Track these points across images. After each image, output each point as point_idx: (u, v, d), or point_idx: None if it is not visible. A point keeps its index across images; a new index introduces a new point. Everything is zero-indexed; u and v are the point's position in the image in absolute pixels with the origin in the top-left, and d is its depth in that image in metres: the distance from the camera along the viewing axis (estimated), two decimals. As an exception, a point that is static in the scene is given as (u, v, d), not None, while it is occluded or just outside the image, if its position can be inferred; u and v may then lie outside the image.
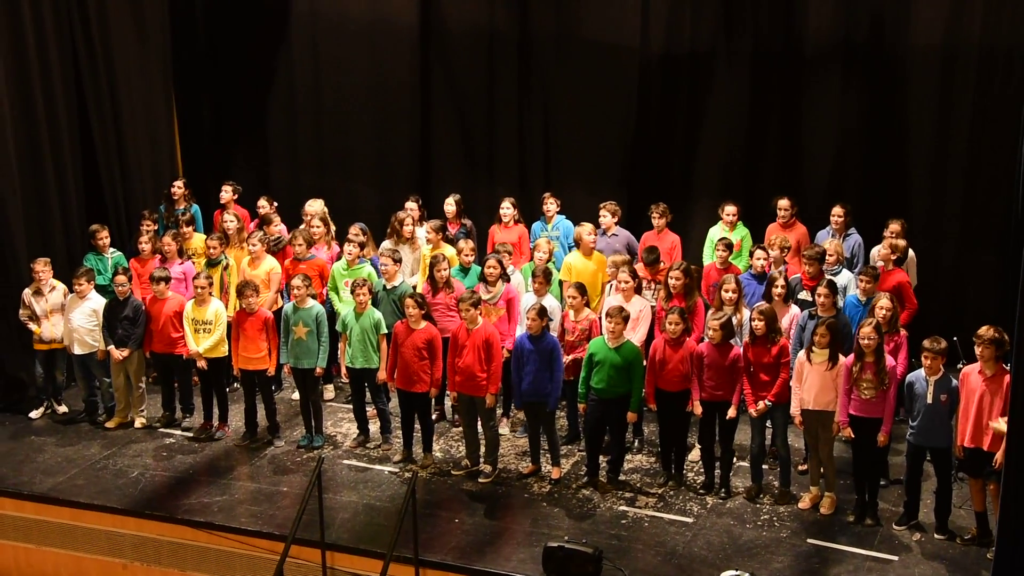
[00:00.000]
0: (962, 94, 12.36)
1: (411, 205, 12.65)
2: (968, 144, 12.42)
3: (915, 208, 12.59)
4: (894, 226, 11.33)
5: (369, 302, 10.79)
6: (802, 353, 9.61)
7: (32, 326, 11.64)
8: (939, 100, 12.50)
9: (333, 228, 12.80)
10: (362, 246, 11.77)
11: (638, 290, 10.78)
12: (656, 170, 13.69)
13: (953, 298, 12.62)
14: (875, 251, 11.49)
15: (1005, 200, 12.03)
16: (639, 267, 11.19)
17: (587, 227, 11.61)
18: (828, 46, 12.83)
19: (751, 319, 9.68)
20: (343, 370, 11.03)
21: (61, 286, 11.70)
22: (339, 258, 12.03)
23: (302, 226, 12.36)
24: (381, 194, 14.70)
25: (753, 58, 13.14)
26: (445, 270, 11.05)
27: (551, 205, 12.54)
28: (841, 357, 9.45)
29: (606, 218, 12.10)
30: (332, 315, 11.37)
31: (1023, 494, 7.43)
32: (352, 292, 10.86)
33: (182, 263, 12.10)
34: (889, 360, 9.33)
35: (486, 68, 14.37)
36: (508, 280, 11.06)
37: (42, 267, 11.61)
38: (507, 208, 12.48)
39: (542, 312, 10.08)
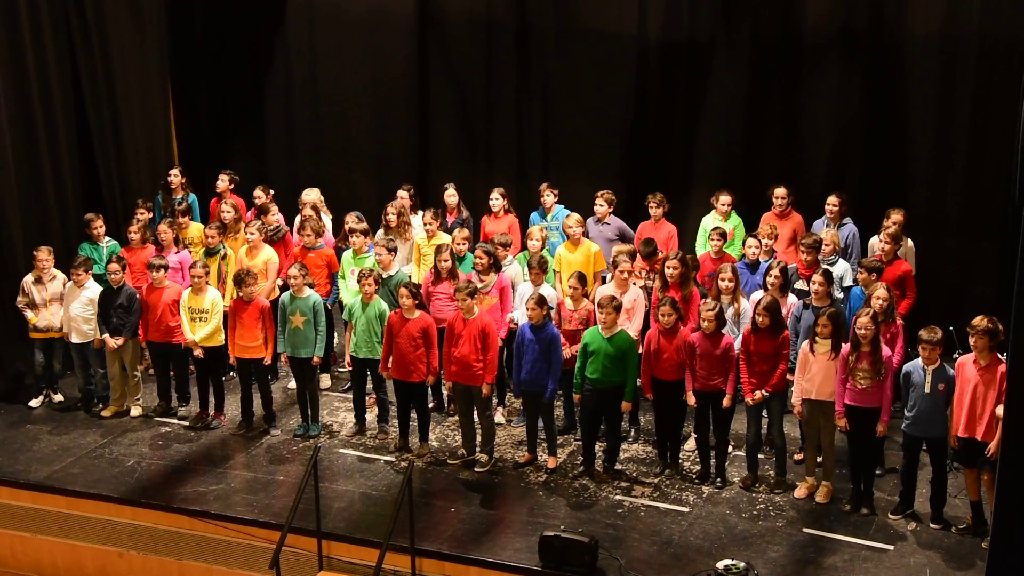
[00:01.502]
0: (961, 83, 12.32)
1: (402, 194, 12.66)
2: (967, 133, 12.38)
3: (914, 197, 12.55)
4: (896, 216, 11.30)
5: (375, 292, 10.78)
6: (805, 344, 9.60)
7: (28, 313, 11.64)
8: (938, 89, 12.46)
9: (329, 217, 12.79)
10: (365, 233, 11.78)
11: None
12: (654, 159, 13.66)
13: (952, 288, 12.58)
14: (874, 242, 11.44)
15: (1004, 189, 12.00)
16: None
17: (573, 218, 11.60)
18: (827, 35, 12.80)
19: (757, 313, 9.65)
20: (347, 359, 11.01)
21: (61, 275, 11.69)
22: (337, 247, 12.07)
23: (310, 215, 12.36)
24: (379, 184, 14.68)
25: (752, 47, 13.10)
26: (447, 260, 11.04)
27: (548, 197, 12.51)
28: (844, 346, 9.44)
29: (602, 207, 12.09)
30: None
31: (1018, 483, 7.43)
32: (358, 282, 10.85)
33: (177, 252, 12.09)
34: (885, 350, 9.32)
35: (484, 58, 14.34)
36: (499, 270, 11.04)
37: (45, 255, 11.60)
38: (496, 199, 12.47)
39: (541, 301, 10.07)
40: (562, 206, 12.53)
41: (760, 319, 9.58)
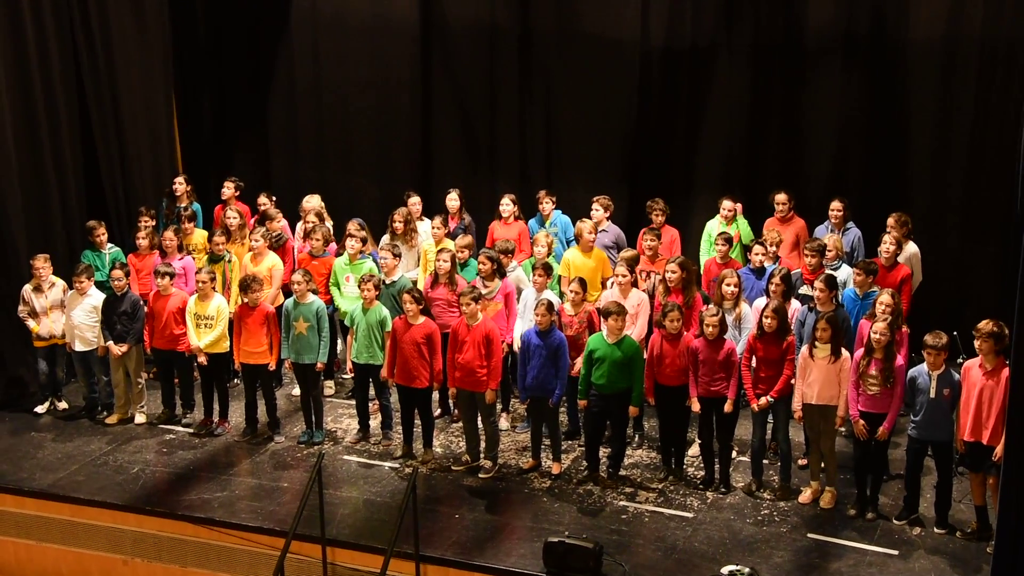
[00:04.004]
0: (963, 87, 12.33)
1: (412, 200, 12.67)
2: (969, 137, 12.39)
3: (916, 201, 12.55)
4: (891, 220, 11.29)
5: (376, 298, 10.78)
6: (805, 348, 9.59)
7: (31, 323, 11.64)
8: (940, 93, 12.47)
9: (330, 223, 12.81)
10: (364, 241, 11.79)
11: (634, 284, 10.77)
12: (657, 164, 13.67)
13: (955, 291, 12.59)
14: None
15: (1006, 192, 11.99)
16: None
17: (588, 224, 11.59)
18: (829, 39, 12.80)
19: (764, 316, 9.65)
20: (348, 364, 11.01)
21: (61, 282, 11.70)
22: (338, 254, 12.06)
23: (314, 221, 12.35)
24: (382, 190, 14.69)
25: (754, 51, 13.11)
26: (445, 262, 11.04)
27: (547, 204, 12.53)
28: (844, 351, 9.43)
29: (598, 212, 12.10)
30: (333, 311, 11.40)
31: (1022, 487, 7.42)
32: (359, 287, 10.85)
33: (181, 258, 12.10)
34: (898, 358, 9.30)
35: (487, 63, 14.35)
36: (503, 276, 11.05)
37: (42, 263, 11.60)
38: (507, 205, 12.47)
39: (551, 307, 10.08)
40: (560, 211, 12.54)
41: (768, 321, 9.58)
